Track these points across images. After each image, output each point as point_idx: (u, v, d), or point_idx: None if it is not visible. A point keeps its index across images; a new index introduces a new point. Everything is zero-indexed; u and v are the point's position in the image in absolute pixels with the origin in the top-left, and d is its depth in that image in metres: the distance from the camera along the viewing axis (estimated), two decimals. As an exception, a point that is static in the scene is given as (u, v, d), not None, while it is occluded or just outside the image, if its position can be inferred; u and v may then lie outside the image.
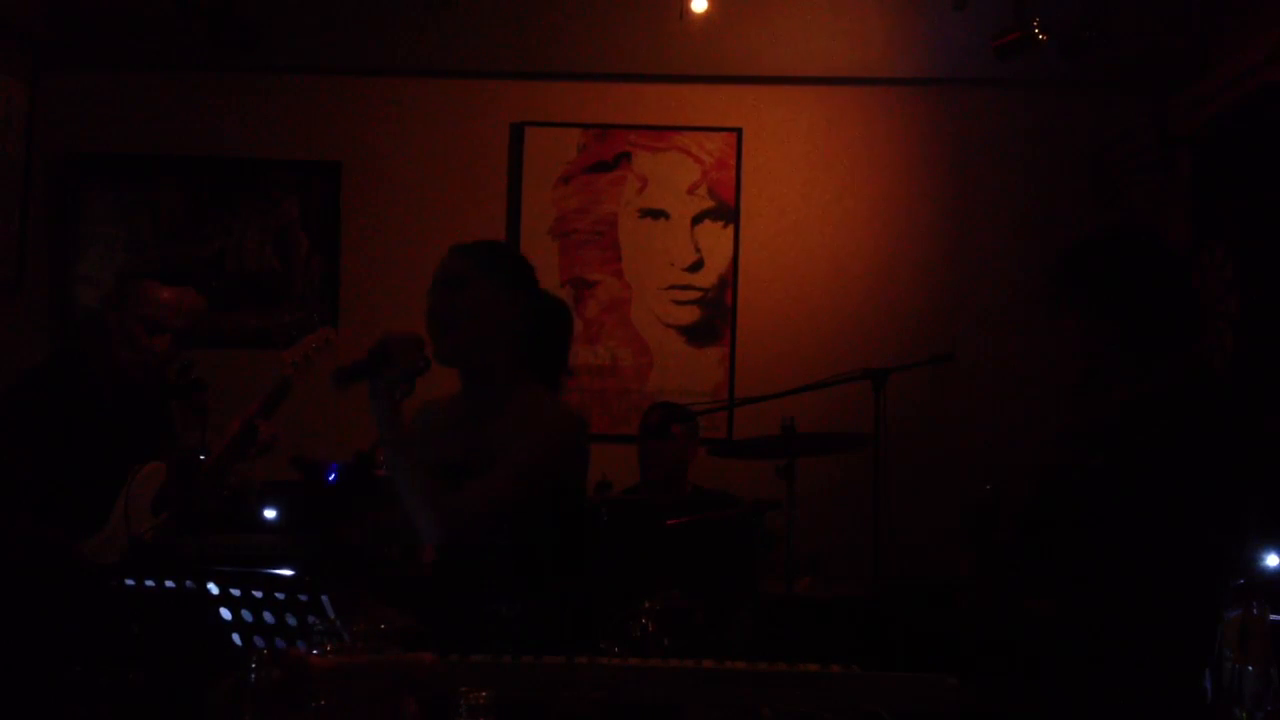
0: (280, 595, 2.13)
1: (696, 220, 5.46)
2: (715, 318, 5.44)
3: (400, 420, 2.65)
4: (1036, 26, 4.75)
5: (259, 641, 2.15)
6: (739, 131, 5.44)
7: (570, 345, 2.98)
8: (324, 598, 2.10)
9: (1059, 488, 2.72)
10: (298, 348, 3.39)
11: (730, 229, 5.44)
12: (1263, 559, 3.76)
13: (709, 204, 5.45)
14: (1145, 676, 2.44)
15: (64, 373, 3.35)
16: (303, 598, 2.11)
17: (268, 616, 2.15)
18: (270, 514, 4.43)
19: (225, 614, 2.18)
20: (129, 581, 2.24)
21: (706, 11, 5.07)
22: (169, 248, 5.37)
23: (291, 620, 2.13)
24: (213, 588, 2.18)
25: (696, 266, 5.45)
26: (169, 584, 2.22)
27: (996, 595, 2.83)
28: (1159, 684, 2.44)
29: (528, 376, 2.79)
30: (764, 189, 5.45)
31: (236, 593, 2.16)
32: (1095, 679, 2.46)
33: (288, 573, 2.27)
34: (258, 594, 2.15)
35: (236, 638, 2.19)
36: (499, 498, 2.61)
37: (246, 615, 2.17)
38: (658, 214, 5.47)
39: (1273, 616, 2.00)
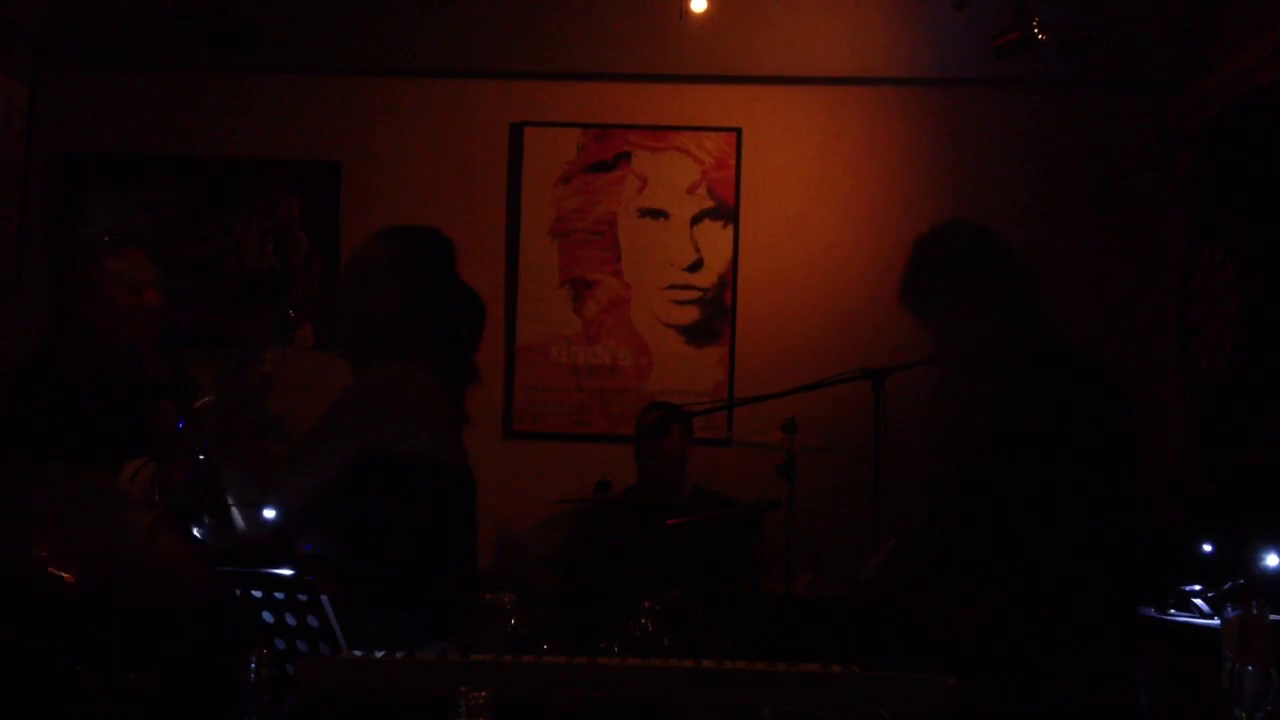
0: (280, 595, 2.13)
1: (696, 220, 5.46)
2: (715, 318, 5.43)
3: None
4: (1036, 26, 4.74)
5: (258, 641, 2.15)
6: (739, 131, 5.44)
7: (477, 343, 2.92)
8: (324, 598, 2.10)
9: (946, 492, 2.74)
10: (276, 350, 3.36)
11: (730, 229, 5.44)
12: (1263, 559, 3.76)
13: (709, 204, 5.45)
14: (1069, 686, 2.45)
15: (47, 371, 3.33)
16: (302, 598, 2.11)
17: (267, 616, 2.15)
18: (270, 514, 4.42)
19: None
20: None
21: (706, 11, 5.06)
22: (169, 248, 5.37)
23: (291, 620, 2.13)
24: (212, 588, 2.18)
25: (696, 266, 5.45)
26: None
27: (926, 613, 2.84)
28: (1084, 693, 2.45)
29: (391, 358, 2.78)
30: (764, 189, 5.45)
31: (237, 592, 2.16)
32: (1036, 679, 2.46)
33: (288, 573, 2.26)
34: (257, 594, 2.15)
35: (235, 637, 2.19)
36: (303, 470, 2.67)
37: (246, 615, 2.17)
38: (657, 214, 5.47)
39: (1273, 616, 2.00)
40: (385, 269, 2.78)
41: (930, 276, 2.74)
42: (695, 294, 5.44)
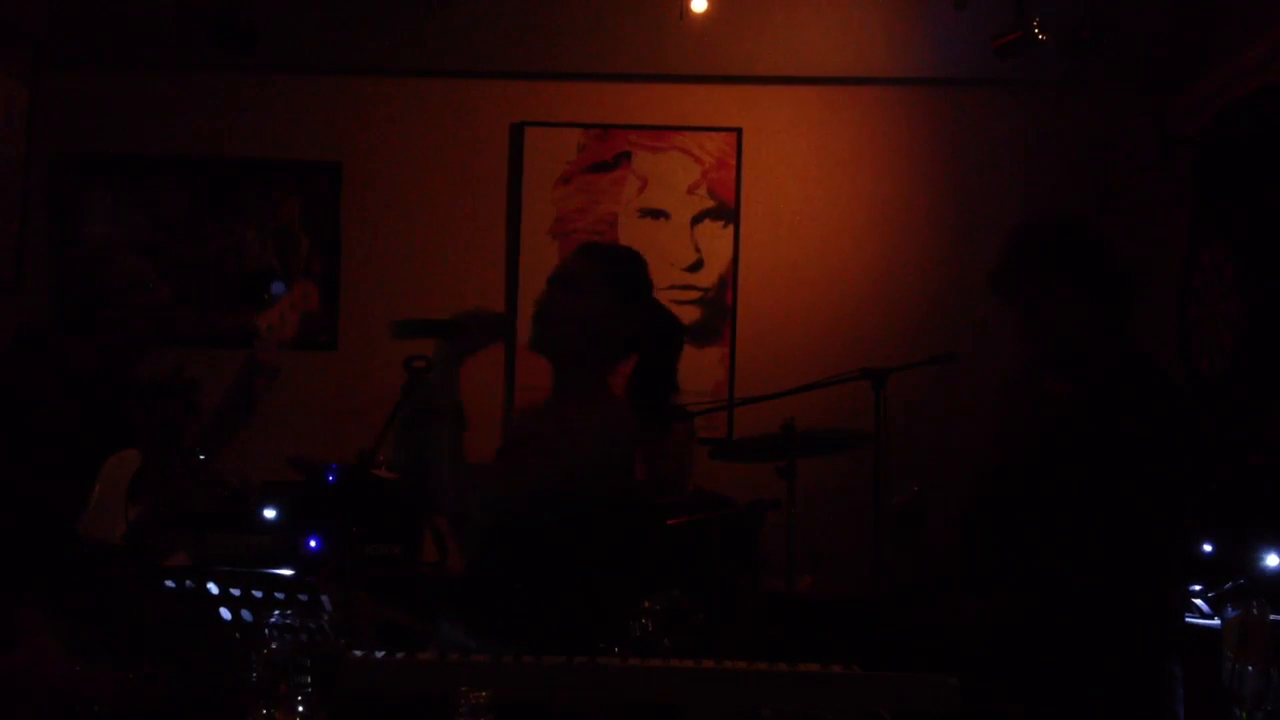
0: (280, 595, 2.13)
1: (696, 220, 5.46)
2: (715, 318, 5.43)
3: (456, 387, 2.77)
4: (1036, 26, 4.75)
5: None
6: (739, 131, 5.44)
7: (677, 360, 3.00)
8: (324, 597, 2.10)
9: (999, 486, 2.72)
10: (273, 310, 3.26)
11: (730, 229, 5.44)
12: (1263, 559, 3.76)
13: (709, 204, 5.45)
14: (1103, 669, 2.45)
15: (29, 365, 3.30)
16: (302, 598, 2.11)
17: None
18: (270, 514, 4.43)
19: (225, 614, 2.18)
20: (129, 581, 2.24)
21: (706, 11, 5.07)
22: (169, 248, 5.37)
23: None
24: (213, 588, 2.18)
25: (696, 266, 5.45)
26: (169, 584, 2.22)
27: (932, 597, 2.83)
28: (1120, 677, 2.45)
29: (606, 383, 2.90)
30: (764, 189, 5.45)
31: (237, 593, 2.16)
32: (1049, 673, 2.45)
33: (288, 573, 2.27)
34: (258, 594, 2.15)
35: (236, 638, 2.19)
36: (521, 480, 2.72)
37: (246, 615, 2.17)
38: (658, 214, 5.47)
39: (1273, 616, 2.00)
40: (590, 277, 2.92)
41: (1028, 263, 2.73)
42: (695, 294, 5.44)
